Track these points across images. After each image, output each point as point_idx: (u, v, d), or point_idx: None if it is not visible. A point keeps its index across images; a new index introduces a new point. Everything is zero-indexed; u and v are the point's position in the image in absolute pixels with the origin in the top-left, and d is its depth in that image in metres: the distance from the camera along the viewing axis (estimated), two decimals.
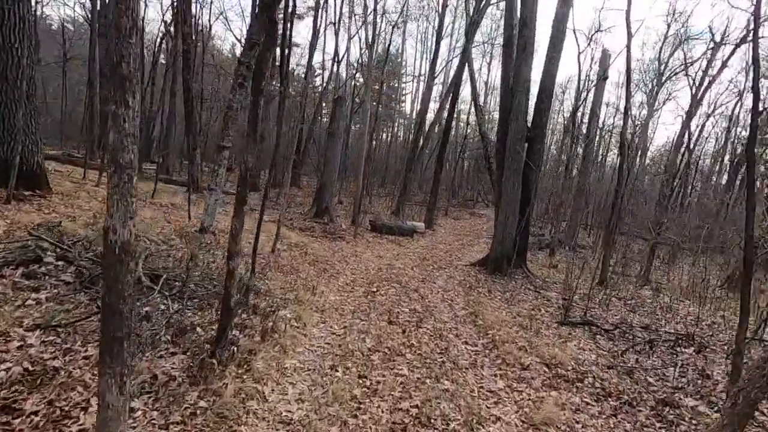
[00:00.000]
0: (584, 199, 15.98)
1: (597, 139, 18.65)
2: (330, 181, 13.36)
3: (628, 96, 9.87)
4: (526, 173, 9.66)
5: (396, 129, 41.62)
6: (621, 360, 5.33)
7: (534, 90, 9.67)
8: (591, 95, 16.04)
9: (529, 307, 7.44)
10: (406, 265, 9.48)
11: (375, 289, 6.99)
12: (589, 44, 13.30)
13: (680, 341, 6.01)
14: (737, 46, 19.92)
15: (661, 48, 24.11)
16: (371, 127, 11.43)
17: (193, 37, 15.51)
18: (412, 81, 39.86)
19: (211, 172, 12.33)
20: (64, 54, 21.56)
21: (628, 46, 9.46)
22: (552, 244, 13.99)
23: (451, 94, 15.83)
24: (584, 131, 16.80)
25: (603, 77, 14.72)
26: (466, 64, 15.75)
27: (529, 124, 9.62)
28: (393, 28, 17.26)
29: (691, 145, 20.16)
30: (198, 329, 3.78)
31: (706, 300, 9.96)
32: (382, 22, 16.59)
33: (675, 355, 5.64)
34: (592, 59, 17.72)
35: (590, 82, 15.97)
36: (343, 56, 17.83)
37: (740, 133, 22.97)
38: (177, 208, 10.25)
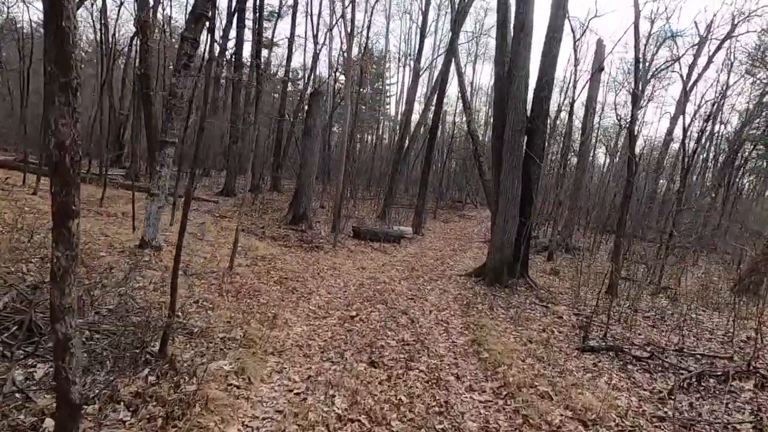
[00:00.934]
0: (581, 198, 14.89)
1: (595, 135, 17.61)
2: (308, 183, 11.97)
3: (637, 81, 8.72)
4: (527, 169, 8.43)
5: (381, 131, 40.39)
6: (671, 406, 4.05)
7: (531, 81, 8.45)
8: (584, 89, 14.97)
9: (539, 327, 6.16)
10: (393, 278, 8.13)
11: (354, 313, 5.63)
12: (584, 33, 12.22)
13: (735, 374, 4.77)
14: (722, 42, 19.17)
15: (645, 45, 23.29)
16: (352, 122, 10.08)
17: (154, 29, 14.02)
18: (397, 83, 38.73)
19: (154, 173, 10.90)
20: (22, 56, 19.78)
21: (636, 24, 8.32)
22: (550, 247, 12.80)
23: (437, 90, 14.58)
24: (579, 127, 15.74)
25: (598, 69, 13.64)
26: (453, 58, 14.55)
27: (528, 114, 8.39)
28: (372, 8, 15.92)
29: (686, 142, 19.27)
30: None
31: (720, 306, 8.88)
32: (366, 18, 15.31)
33: (734, 394, 4.40)
34: (587, 49, 16.69)
35: (584, 74, 14.88)
36: (321, 47, 16.48)
37: (722, 130, 22.34)
38: (128, 218, 8.75)
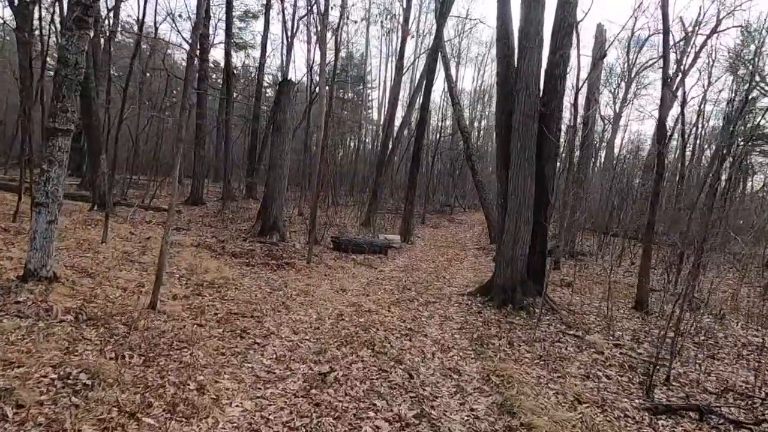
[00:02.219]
0: (584, 198, 13.43)
1: (601, 129, 16.24)
2: (278, 188, 10.16)
3: (666, 58, 7.23)
4: (540, 163, 6.82)
5: (364, 136, 38.72)
6: None
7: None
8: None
9: (580, 372, 4.50)
10: (381, 302, 6.38)
11: (328, 369, 3.86)
12: (586, 14, 10.80)
13: None
14: (708, 37, 18.15)
15: (629, 43, 22.25)
16: (327, 111, 8.34)
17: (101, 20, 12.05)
18: (378, 87, 37.21)
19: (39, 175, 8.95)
20: None
21: None
22: (556, 254, 11.23)
23: (425, 79, 12.96)
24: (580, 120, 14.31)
25: (601, 56, 12.24)
26: (439, 50, 12.98)
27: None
28: None
29: (685, 137, 18.11)
30: None
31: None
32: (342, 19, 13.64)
33: None
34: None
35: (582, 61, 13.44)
36: (292, 36, 14.73)
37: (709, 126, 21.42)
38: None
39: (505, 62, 7.24)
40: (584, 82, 12.03)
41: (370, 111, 38.61)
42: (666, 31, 7.09)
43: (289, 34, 15.01)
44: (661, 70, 8.44)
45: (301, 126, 20.25)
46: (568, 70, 7.03)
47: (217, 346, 3.95)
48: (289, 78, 10.00)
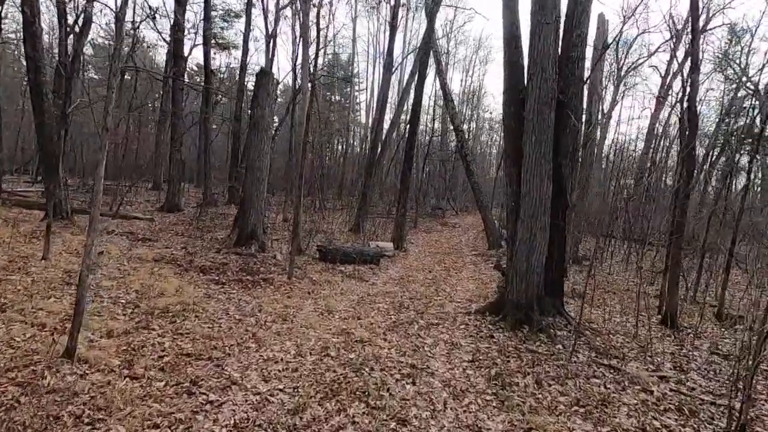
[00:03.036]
0: (587, 200, 12.56)
1: (603, 124, 15.40)
2: (256, 192, 9.00)
3: (695, 42, 6.31)
4: (558, 160, 5.82)
5: (351, 139, 37.62)
6: None
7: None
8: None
9: (633, 422, 3.48)
10: (375, 328, 5.28)
11: None
12: None
13: None
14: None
15: (617, 41, 21.56)
16: (310, 105, 7.24)
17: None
18: (366, 89, 36.20)
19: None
20: None
21: None
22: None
23: (417, 72, 11.91)
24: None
25: (604, 46, 11.38)
26: (431, 44, 11.97)
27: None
28: None
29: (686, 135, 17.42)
30: None
31: None
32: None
33: None
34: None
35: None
36: (275, 27, 13.59)
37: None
38: None
39: (512, 44, 6.23)
40: (591, 72, 11.14)
41: (357, 114, 37.57)
42: (694, 24, 6.18)
43: (270, 27, 13.88)
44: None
45: (284, 124, 19.10)
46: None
47: (149, 413, 2.82)
48: (267, 69, 8.84)
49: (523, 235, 5.76)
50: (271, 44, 14.91)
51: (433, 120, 24.40)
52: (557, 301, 6.04)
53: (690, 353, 5.42)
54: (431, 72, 17.61)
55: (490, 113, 39.45)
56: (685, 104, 6.55)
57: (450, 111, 13.72)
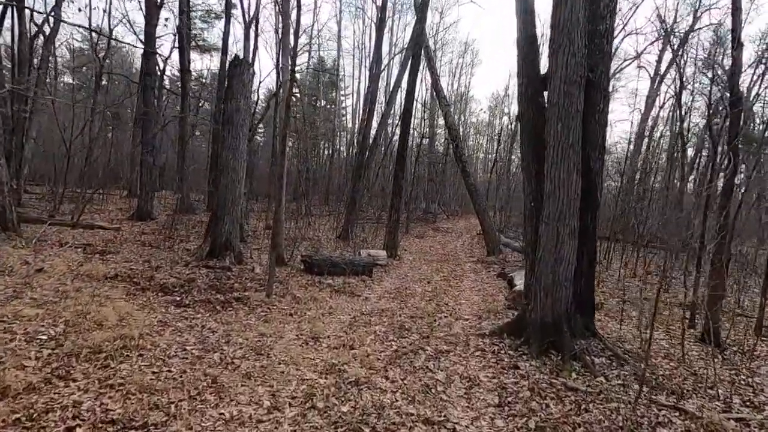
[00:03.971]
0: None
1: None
2: (231, 197, 7.85)
3: (737, 17, 5.45)
4: (586, 152, 4.85)
5: (338, 144, 36.53)
6: None
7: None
8: None
9: None
10: (373, 362, 4.18)
11: None
12: None
13: None
14: (686, 34, 17.11)
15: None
16: (289, 93, 6.14)
17: None
18: (352, 94, 35.22)
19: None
20: None
21: None
22: None
23: (409, 65, 10.90)
24: None
25: None
26: (422, 39, 10.99)
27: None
28: None
29: (684, 136, 16.81)
30: None
31: None
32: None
33: None
34: None
35: None
36: (252, 18, 12.46)
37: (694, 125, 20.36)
38: None
39: (528, 18, 5.28)
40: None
41: (344, 118, 36.54)
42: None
43: (248, 12, 12.70)
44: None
45: (266, 128, 17.92)
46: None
47: None
48: (239, 56, 7.72)
49: (548, 242, 4.76)
50: (252, 32, 13.74)
51: (422, 122, 23.51)
52: (589, 319, 5.04)
53: (752, 381, 4.46)
54: (421, 72, 16.69)
55: (476, 117, 38.90)
56: (709, 95, 5.66)
57: (443, 109, 12.80)
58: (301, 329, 4.96)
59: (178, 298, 5.42)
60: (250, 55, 11.96)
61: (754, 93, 17.75)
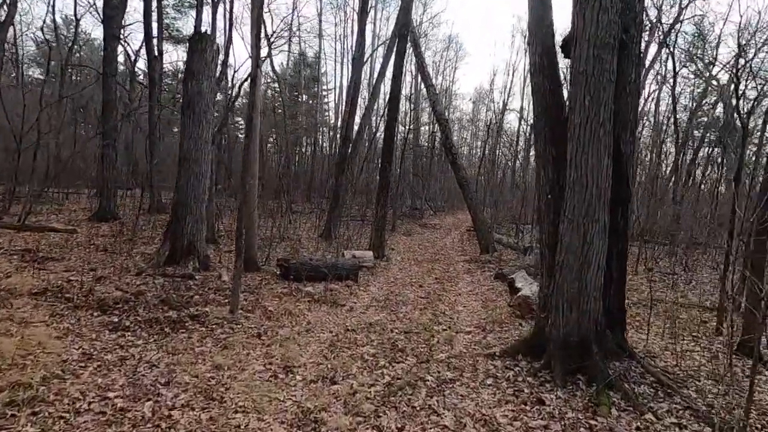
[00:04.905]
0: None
1: None
2: (194, 194, 6.76)
3: None
4: (616, 132, 3.94)
5: (321, 140, 35.30)
6: None
7: None
8: None
9: None
10: (360, 404, 3.19)
11: None
12: None
13: None
14: (671, 26, 16.58)
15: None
16: (255, 71, 5.07)
17: None
18: (335, 89, 33.99)
19: None
20: None
21: None
22: None
23: (395, 48, 9.88)
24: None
25: None
26: (410, 15, 9.98)
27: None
28: None
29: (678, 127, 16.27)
30: None
31: None
32: None
33: None
34: None
35: None
36: None
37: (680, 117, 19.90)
38: None
39: None
40: None
41: (327, 114, 35.32)
42: None
43: None
44: None
45: (233, 105, 16.66)
46: None
47: None
48: (200, 31, 6.59)
49: (572, 242, 3.85)
50: (224, 15, 12.47)
51: (407, 117, 22.58)
52: (620, 336, 4.16)
53: None
54: (407, 62, 15.69)
55: (461, 111, 38.22)
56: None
57: (431, 97, 11.86)
58: (270, 356, 3.95)
59: (116, 319, 4.33)
60: (224, 39, 10.73)
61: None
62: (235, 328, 4.50)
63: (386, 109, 10.33)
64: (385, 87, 15.35)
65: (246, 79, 10.02)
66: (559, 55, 4.46)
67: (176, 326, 4.35)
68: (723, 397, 3.69)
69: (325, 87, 33.71)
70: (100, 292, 5.11)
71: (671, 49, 15.02)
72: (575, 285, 3.86)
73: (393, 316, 5.69)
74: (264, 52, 15.40)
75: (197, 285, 5.96)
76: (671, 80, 16.53)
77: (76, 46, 23.01)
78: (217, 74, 6.94)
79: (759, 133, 17.57)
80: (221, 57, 8.27)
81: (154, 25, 15.88)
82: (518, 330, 5.31)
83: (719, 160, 20.08)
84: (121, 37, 14.55)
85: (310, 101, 32.63)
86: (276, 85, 25.04)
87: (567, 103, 4.15)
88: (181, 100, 7.12)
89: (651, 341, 5.17)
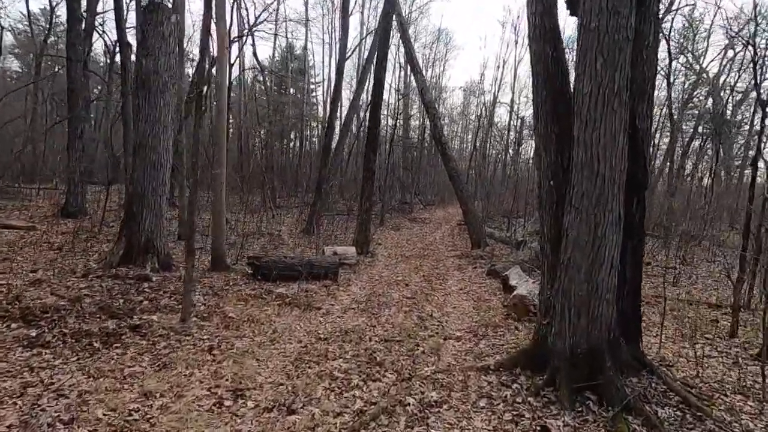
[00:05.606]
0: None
1: None
2: (151, 186, 5.98)
3: None
4: (633, 105, 3.28)
5: (310, 134, 34.34)
6: None
7: None
8: None
9: None
10: None
11: None
12: None
13: None
14: (663, 15, 16.04)
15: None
16: (221, 46, 4.33)
17: None
18: (323, 82, 33.00)
19: None
20: None
21: None
22: None
23: (380, 31, 9.13)
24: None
25: None
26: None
27: None
28: None
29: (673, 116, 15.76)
30: None
31: None
32: None
33: None
34: None
35: None
36: None
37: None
38: None
39: None
40: None
41: (315, 108, 34.38)
42: None
43: None
44: None
45: (203, 84, 15.86)
46: None
47: None
48: (160, 1, 5.79)
49: (580, 235, 3.20)
50: None
51: (396, 105, 21.80)
52: (636, 345, 3.53)
53: None
54: (394, 55, 14.94)
55: (450, 103, 37.55)
56: None
57: (419, 84, 11.15)
58: (218, 376, 3.24)
59: (34, 333, 3.58)
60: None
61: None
62: (183, 341, 3.78)
63: (372, 89, 9.57)
64: (374, 75, 14.61)
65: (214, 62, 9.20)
66: (562, 18, 3.79)
67: (110, 340, 3.62)
68: (759, 417, 3.08)
69: (313, 80, 32.81)
70: (29, 299, 4.35)
71: (667, 38, 14.45)
72: (584, 287, 3.21)
73: (373, 320, 5.01)
74: (239, 47, 14.50)
75: (152, 288, 5.21)
76: (664, 70, 15.99)
77: (53, 37, 21.87)
78: (177, 50, 6.13)
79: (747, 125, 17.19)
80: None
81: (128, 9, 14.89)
82: (514, 335, 4.67)
83: (710, 152, 19.69)
84: (98, 24, 13.59)
85: (298, 95, 31.71)
86: (263, 78, 24.14)
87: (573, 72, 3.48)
88: (134, 79, 6.29)
89: (669, 349, 4.57)
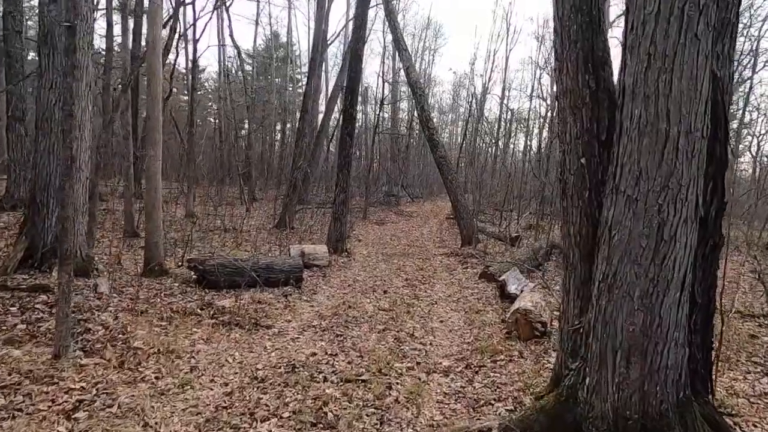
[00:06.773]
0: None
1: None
2: (58, 171, 4.67)
3: None
4: (713, 39, 2.08)
5: (294, 124, 32.82)
6: None
7: None
8: None
9: None
10: None
11: None
12: None
13: None
14: None
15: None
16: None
17: None
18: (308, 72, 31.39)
19: None
20: None
21: None
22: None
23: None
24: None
25: None
26: None
27: None
28: None
29: None
30: None
31: None
32: None
33: None
34: None
35: None
36: None
37: None
38: None
39: None
40: None
41: (299, 100, 32.85)
42: None
43: None
44: None
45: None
46: None
47: None
48: None
49: (633, 237, 2.03)
50: None
51: (382, 89, 20.51)
52: (704, 400, 2.36)
53: None
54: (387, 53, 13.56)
55: (440, 97, 36.38)
56: None
57: (404, 63, 9.91)
58: None
59: None
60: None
61: None
62: (35, 396, 2.52)
63: (350, 52, 8.26)
64: (350, 45, 13.28)
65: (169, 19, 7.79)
66: None
67: None
68: None
69: (299, 70, 31.26)
70: None
71: None
72: (638, 318, 2.05)
73: (336, 345, 3.81)
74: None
75: (46, 303, 3.93)
76: None
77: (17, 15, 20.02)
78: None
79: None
80: None
81: None
82: (519, 366, 3.51)
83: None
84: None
85: (284, 85, 30.18)
86: (246, 67, 22.67)
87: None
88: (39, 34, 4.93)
89: (725, 384, 3.44)
